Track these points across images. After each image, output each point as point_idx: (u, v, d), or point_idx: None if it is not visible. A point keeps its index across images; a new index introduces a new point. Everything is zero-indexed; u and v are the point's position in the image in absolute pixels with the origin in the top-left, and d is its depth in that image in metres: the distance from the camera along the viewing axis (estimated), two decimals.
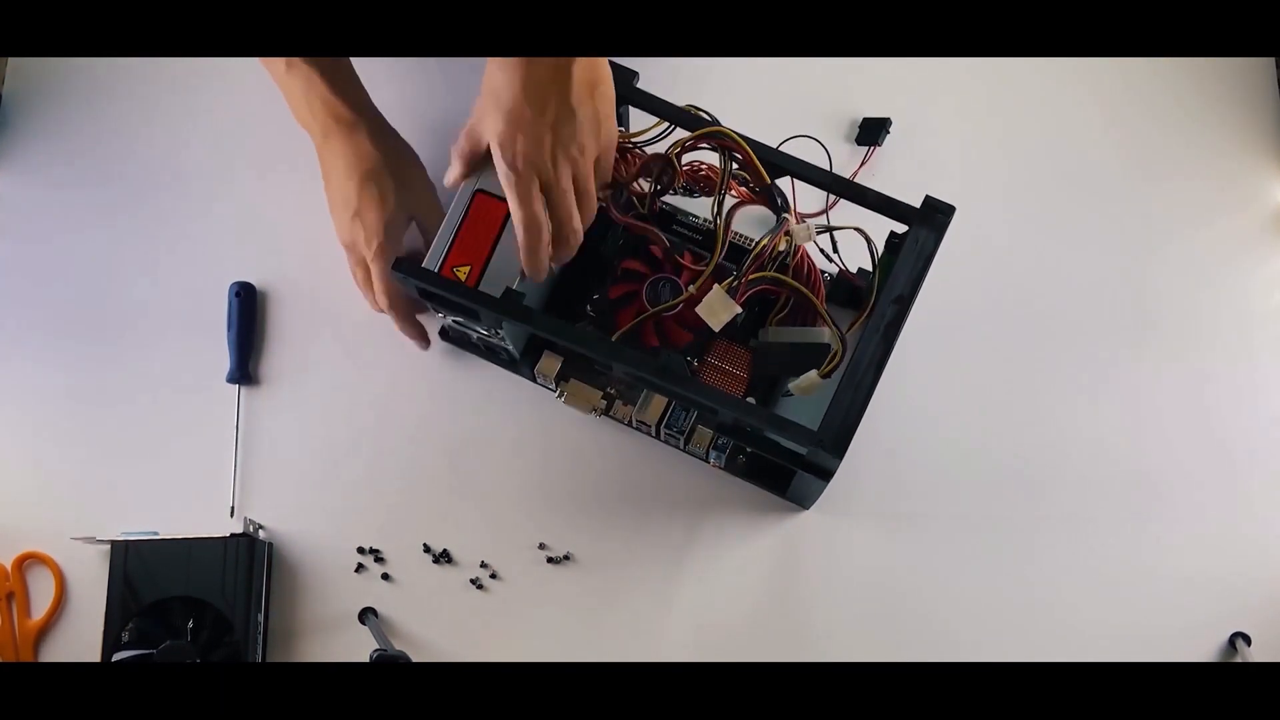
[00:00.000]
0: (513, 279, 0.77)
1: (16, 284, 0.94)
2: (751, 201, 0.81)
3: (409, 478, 0.89)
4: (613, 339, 0.79)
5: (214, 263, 0.94)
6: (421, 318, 0.90)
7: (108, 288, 0.93)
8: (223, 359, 0.91)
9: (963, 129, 0.96)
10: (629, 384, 0.85)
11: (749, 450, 0.86)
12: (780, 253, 0.80)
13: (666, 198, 0.85)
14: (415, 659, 0.85)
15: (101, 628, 0.83)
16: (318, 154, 0.87)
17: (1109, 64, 0.96)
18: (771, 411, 0.74)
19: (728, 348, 0.82)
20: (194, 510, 0.88)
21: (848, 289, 0.85)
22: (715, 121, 0.79)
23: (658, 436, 0.87)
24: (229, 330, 0.91)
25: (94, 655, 0.83)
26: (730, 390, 0.80)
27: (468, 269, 0.78)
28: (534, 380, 0.89)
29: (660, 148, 0.81)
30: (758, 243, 0.77)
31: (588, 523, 0.88)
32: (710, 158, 0.80)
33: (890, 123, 0.94)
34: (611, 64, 0.78)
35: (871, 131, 0.94)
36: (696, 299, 0.77)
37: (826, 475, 0.79)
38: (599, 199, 0.78)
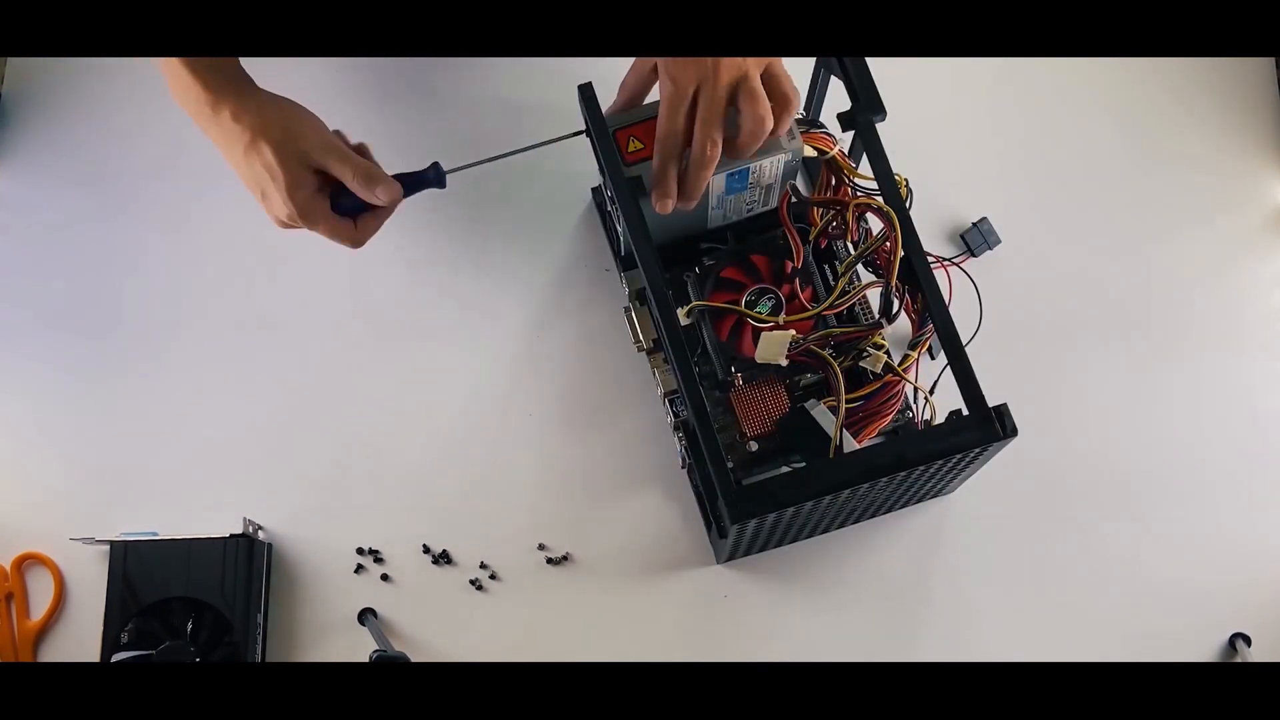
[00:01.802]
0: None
1: (15, 282, 0.94)
2: (877, 286, 0.79)
3: (409, 478, 0.89)
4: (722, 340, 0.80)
5: (213, 262, 0.94)
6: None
7: (107, 286, 0.93)
8: (222, 359, 0.91)
9: (960, 126, 0.96)
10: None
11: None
12: (861, 351, 0.79)
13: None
14: (415, 659, 0.85)
15: (101, 628, 0.83)
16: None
17: (1108, 64, 0.96)
18: (708, 425, 0.71)
19: (776, 390, 0.81)
20: (193, 510, 0.88)
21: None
22: (907, 197, 0.77)
23: (663, 405, 0.87)
24: None
25: (93, 655, 0.83)
26: (749, 423, 0.80)
27: (641, 147, 0.76)
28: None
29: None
30: (842, 330, 0.78)
31: (587, 523, 0.88)
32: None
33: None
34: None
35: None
36: (777, 326, 0.77)
37: (723, 532, 0.77)
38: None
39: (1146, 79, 0.96)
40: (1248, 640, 0.84)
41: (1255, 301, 0.92)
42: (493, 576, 0.88)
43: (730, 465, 0.78)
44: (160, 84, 0.97)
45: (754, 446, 0.81)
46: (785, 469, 0.80)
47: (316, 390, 0.91)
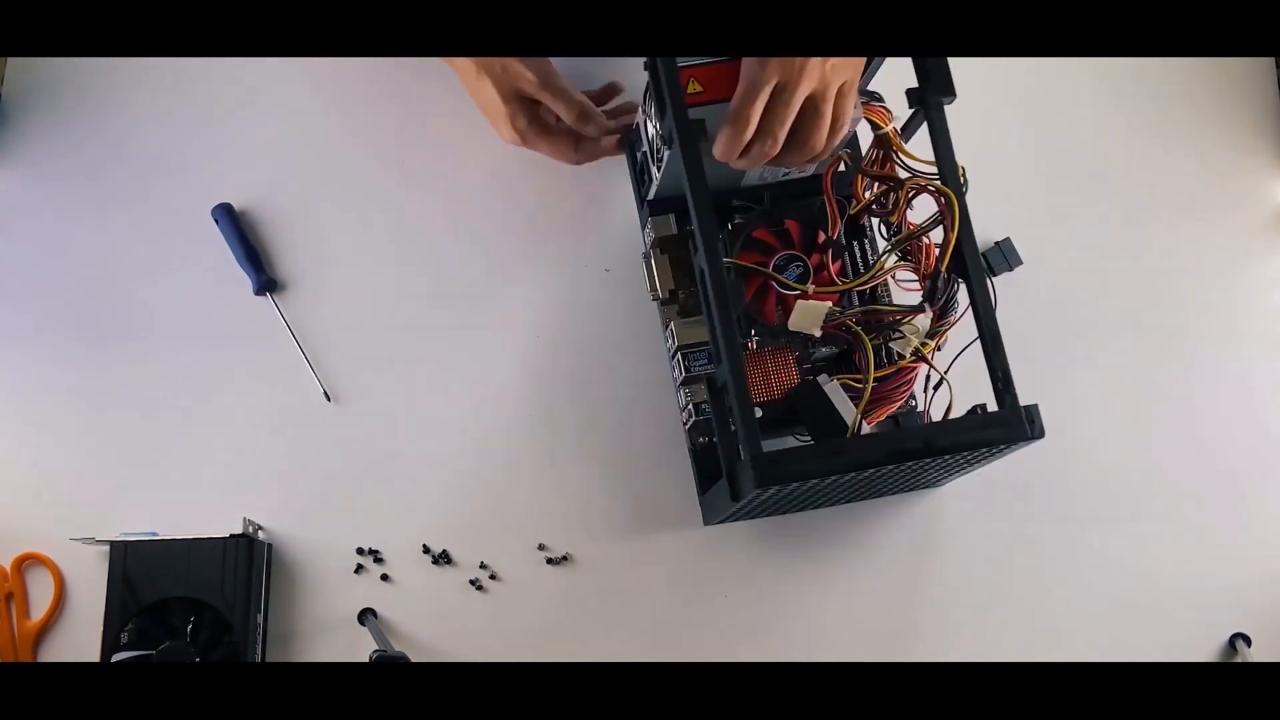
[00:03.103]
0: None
1: (16, 282, 0.93)
2: (916, 271, 0.79)
3: (408, 479, 0.89)
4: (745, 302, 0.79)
5: (216, 259, 0.93)
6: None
7: (108, 286, 0.93)
8: (223, 365, 0.91)
9: (962, 125, 0.95)
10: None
11: (705, 438, 0.86)
12: (896, 331, 0.78)
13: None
14: (415, 659, 0.85)
15: (100, 628, 0.83)
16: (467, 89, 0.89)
17: (1110, 63, 0.96)
18: (742, 379, 0.70)
19: (785, 360, 0.80)
20: (193, 510, 0.88)
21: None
22: (964, 187, 0.76)
23: (671, 360, 0.86)
24: None
25: (93, 656, 0.83)
26: (756, 389, 0.79)
27: (700, 90, 0.75)
28: (641, 231, 0.89)
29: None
30: (889, 309, 0.77)
31: (586, 523, 0.88)
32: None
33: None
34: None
35: None
36: (807, 296, 0.77)
37: (737, 495, 0.76)
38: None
39: (1148, 78, 0.96)
40: (1248, 640, 0.84)
41: (1257, 302, 0.91)
42: (492, 577, 0.88)
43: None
44: (158, 82, 0.98)
45: (759, 413, 0.81)
46: (793, 440, 0.80)
47: (316, 390, 0.91)
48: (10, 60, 0.97)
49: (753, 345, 0.81)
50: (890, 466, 0.71)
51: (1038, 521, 0.88)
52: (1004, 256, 0.91)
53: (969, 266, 0.73)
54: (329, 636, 0.87)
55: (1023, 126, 0.96)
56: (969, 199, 0.74)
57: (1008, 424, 0.71)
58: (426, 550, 0.88)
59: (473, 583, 0.87)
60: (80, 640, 0.86)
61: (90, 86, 0.97)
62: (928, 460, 0.71)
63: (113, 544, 0.85)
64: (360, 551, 0.88)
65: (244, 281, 0.93)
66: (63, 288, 0.93)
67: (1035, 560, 0.87)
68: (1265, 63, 0.96)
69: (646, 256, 0.85)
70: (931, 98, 0.75)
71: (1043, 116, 0.96)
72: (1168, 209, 0.94)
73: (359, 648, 0.86)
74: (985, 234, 0.91)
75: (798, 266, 0.80)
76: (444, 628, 0.87)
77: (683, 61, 0.75)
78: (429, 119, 0.96)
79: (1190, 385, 0.90)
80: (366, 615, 0.87)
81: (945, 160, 0.74)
